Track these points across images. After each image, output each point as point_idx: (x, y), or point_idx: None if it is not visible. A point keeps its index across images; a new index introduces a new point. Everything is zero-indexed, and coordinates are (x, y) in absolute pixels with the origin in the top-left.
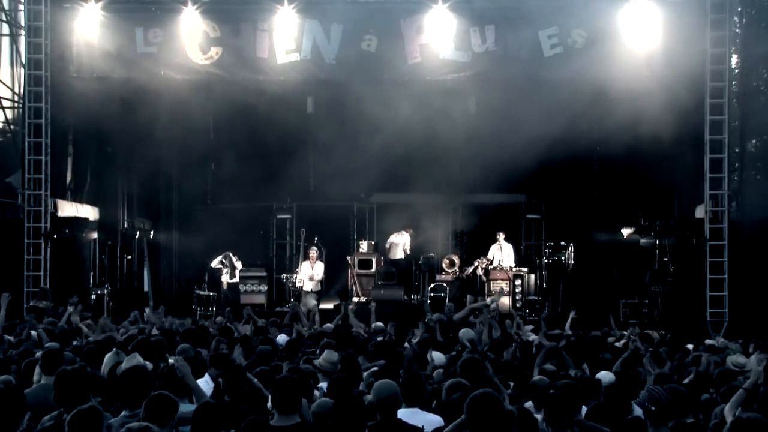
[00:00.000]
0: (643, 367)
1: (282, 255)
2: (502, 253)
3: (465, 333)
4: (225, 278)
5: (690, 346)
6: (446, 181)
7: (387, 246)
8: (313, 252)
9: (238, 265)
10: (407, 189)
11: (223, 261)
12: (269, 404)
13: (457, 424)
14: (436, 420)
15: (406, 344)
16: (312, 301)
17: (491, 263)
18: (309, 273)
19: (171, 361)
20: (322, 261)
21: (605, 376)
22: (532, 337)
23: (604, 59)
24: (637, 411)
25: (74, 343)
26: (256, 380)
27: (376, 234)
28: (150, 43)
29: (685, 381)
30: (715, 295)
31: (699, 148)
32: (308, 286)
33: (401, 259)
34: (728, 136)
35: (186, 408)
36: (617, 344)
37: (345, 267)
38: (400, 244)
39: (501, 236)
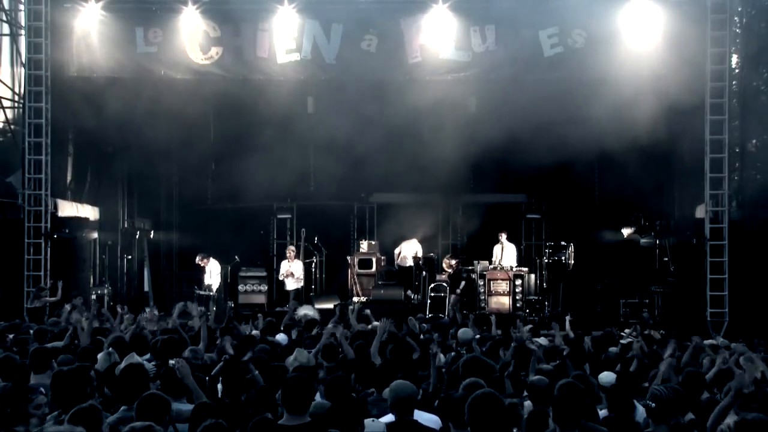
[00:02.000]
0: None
1: (282, 255)
2: (503, 253)
3: (464, 333)
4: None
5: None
6: (446, 181)
7: (397, 253)
8: (291, 250)
9: (215, 267)
10: (407, 189)
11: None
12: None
13: None
14: (433, 420)
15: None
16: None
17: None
18: (287, 270)
19: (172, 362)
20: (300, 259)
21: (608, 376)
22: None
23: (605, 59)
24: (640, 411)
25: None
26: (257, 372)
27: (376, 234)
28: (150, 43)
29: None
30: (715, 294)
31: (699, 148)
32: (290, 285)
33: (412, 267)
34: (728, 136)
35: (184, 407)
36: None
37: (345, 267)
38: (411, 252)
39: (503, 236)
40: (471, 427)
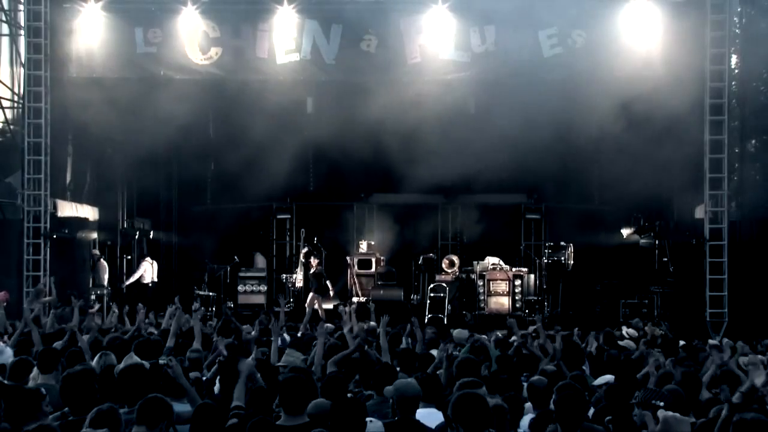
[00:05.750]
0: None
1: (282, 255)
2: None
3: (460, 333)
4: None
5: (682, 343)
6: (446, 181)
7: None
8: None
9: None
10: (407, 189)
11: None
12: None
13: None
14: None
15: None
16: None
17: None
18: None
19: (162, 361)
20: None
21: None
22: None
23: (604, 59)
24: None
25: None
26: (258, 375)
27: (375, 234)
28: (150, 43)
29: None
30: (715, 295)
31: (699, 148)
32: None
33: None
34: (728, 136)
35: (184, 408)
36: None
37: (345, 267)
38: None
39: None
40: (459, 424)
